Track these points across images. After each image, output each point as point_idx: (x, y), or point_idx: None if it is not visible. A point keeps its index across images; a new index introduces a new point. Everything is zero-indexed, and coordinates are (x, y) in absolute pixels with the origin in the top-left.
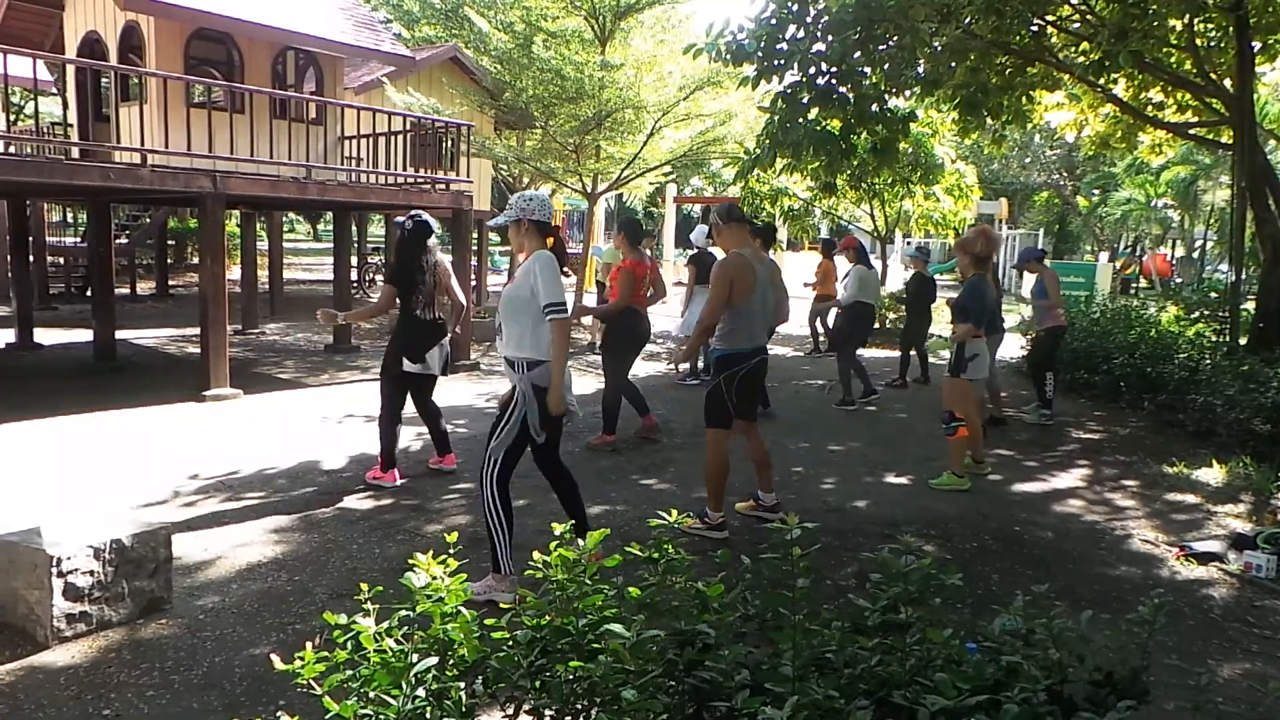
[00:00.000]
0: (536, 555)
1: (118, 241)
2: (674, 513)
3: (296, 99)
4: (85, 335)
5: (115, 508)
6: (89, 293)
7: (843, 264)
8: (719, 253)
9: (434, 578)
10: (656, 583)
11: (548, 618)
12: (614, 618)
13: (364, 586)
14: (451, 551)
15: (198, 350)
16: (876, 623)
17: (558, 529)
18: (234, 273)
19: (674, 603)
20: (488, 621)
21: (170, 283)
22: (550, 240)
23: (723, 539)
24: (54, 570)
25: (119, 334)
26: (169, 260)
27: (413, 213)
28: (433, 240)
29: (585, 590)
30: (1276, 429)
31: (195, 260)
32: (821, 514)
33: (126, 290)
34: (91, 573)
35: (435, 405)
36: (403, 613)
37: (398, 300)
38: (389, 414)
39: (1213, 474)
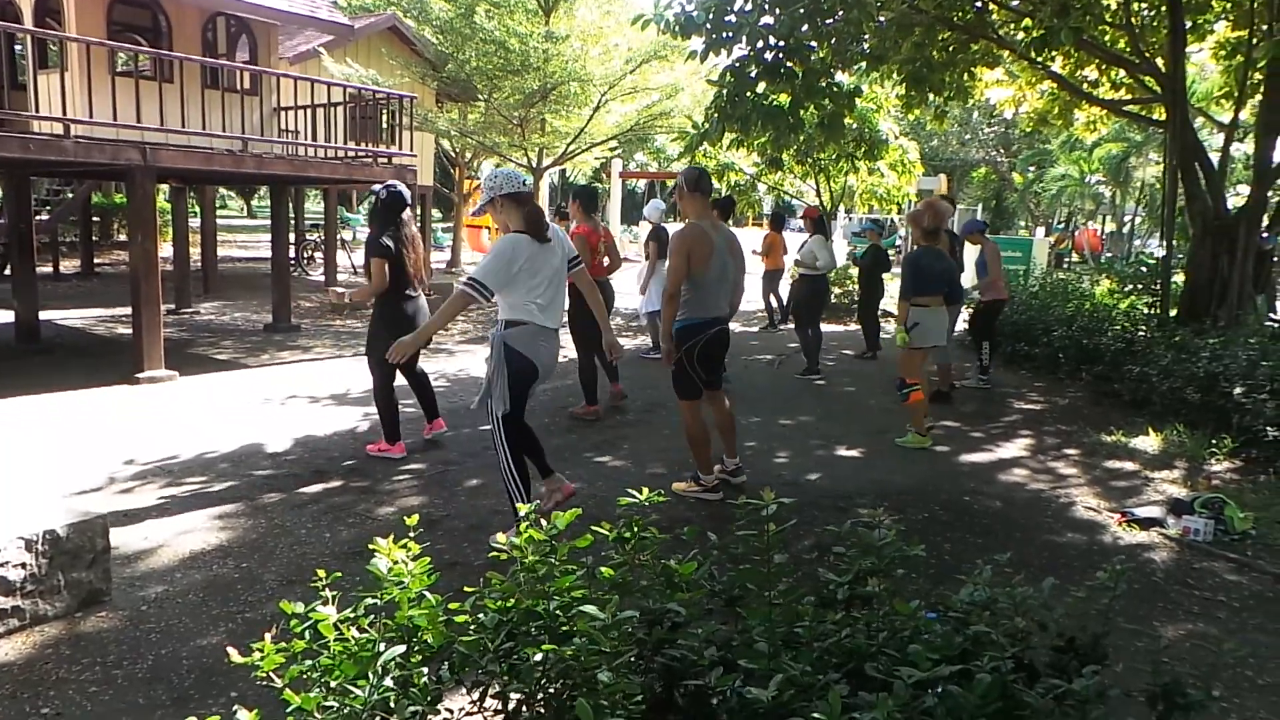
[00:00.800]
0: (501, 537)
1: (39, 218)
2: (645, 491)
3: (228, 67)
4: (6, 316)
5: (47, 496)
6: (7, 271)
7: (793, 240)
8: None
9: (395, 562)
10: (624, 561)
11: (514, 599)
12: (585, 599)
13: (321, 573)
14: (412, 535)
15: (128, 331)
16: (844, 596)
17: (523, 509)
18: (166, 250)
19: (643, 582)
20: (451, 605)
21: (96, 261)
22: (527, 210)
23: (719, 500)
24: None
25: (44, 314)
26: (94, 237)
27: (388, 182)
28: (407, 212)
29: (555, 572)
30: (1207, 398)
31: (122, 237)
32: (777, 487)
33: (49, 269)
34: (24, 565)
35: (423, 370)
36: (369, 600)
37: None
38: (383, 385)
39: (1149, 442)
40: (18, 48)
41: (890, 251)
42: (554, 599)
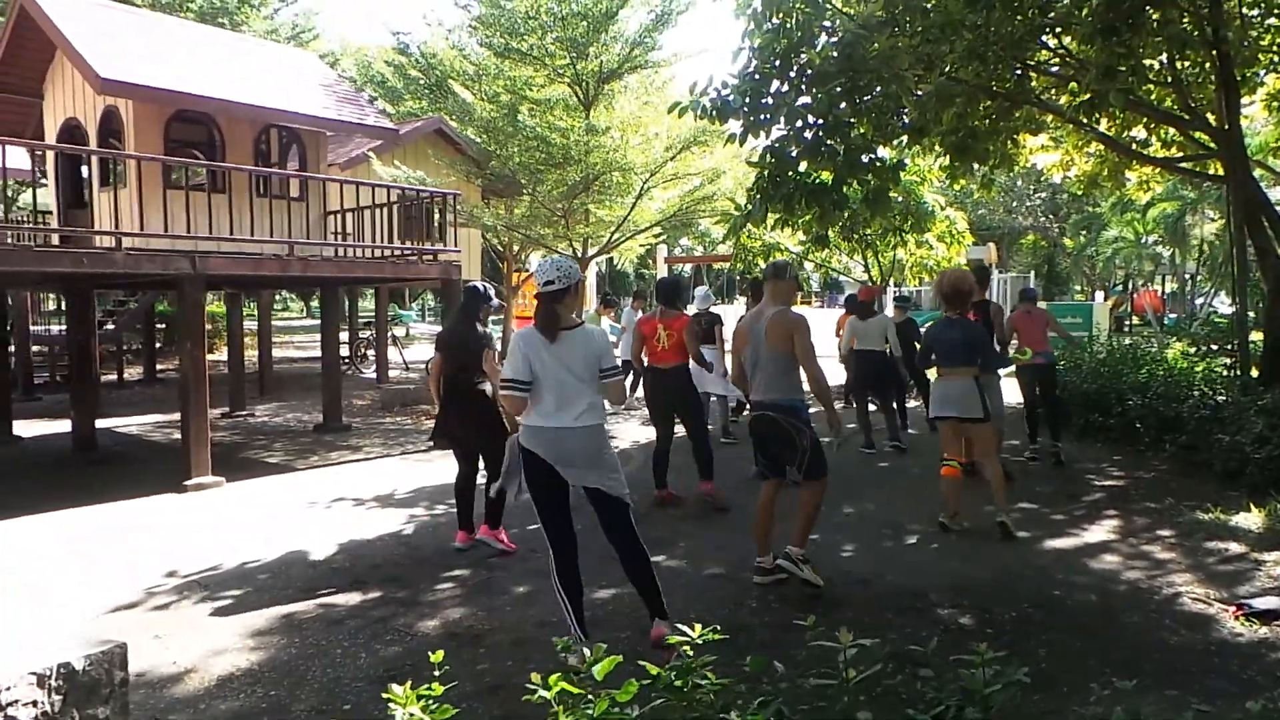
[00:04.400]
0: (535, 678)
1: (106, 327)
2: (697, 628)
3: (276, 174)
4: (68, 426)
5: (81, 613)
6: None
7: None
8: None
9: (411, 717)
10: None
11: None
12: None
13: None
14: (437, 673)
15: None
16: None
17: (559, 644)
18: (222, 353)
19: None
20: None
21: (159, 367)
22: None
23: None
24: None
25: (104, 423)
26: (157, 344)
27: (474, 282)
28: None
29: None
30: None
31: None
32: (845, 586)
33: (114, 376)
34: (35, 703)
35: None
36: None
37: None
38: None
39: (1251, 519)
40: (84, 170)
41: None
42: None
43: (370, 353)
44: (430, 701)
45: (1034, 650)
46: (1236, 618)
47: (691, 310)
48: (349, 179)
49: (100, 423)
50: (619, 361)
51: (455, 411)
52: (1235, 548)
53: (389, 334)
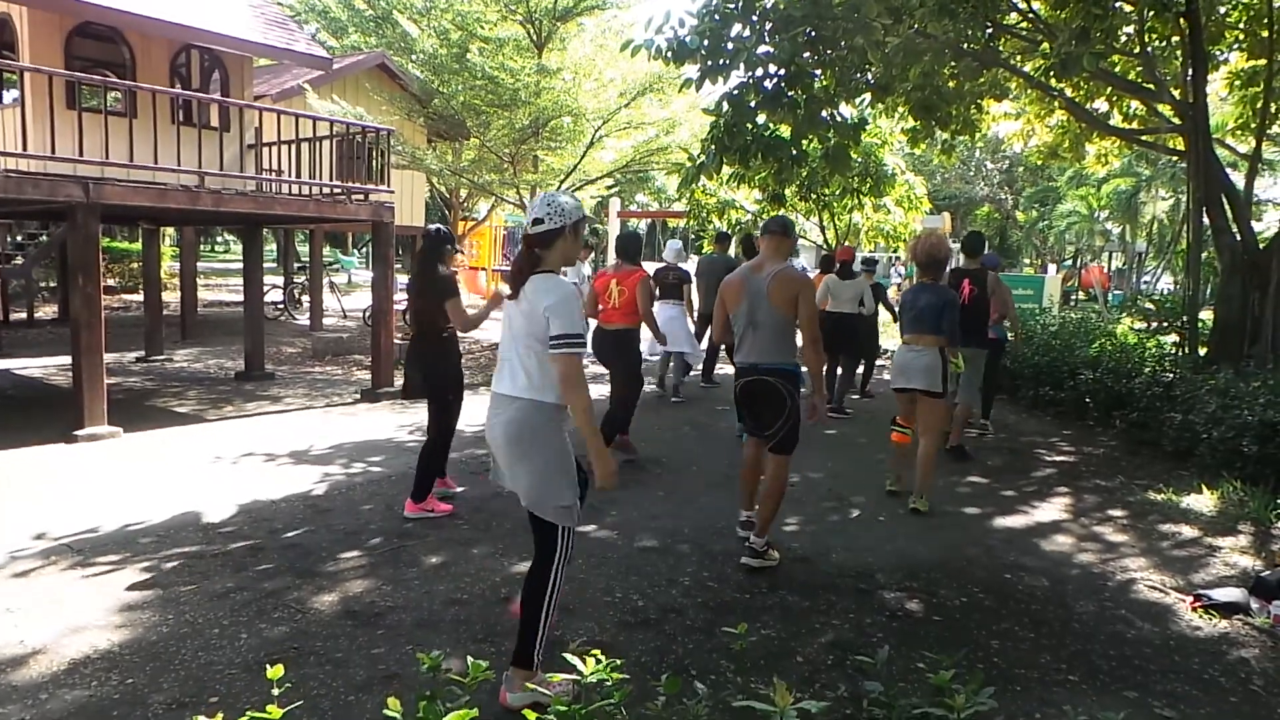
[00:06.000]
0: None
1: (15, 262)
2: (590, 662)
3: (187, 97)
4: None
5: None
6: None
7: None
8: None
9: None
10: None
11: None
12: None
13: None
14: (276, 692)
15: None
16: None
17: (426, 661)
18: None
19: None
20: None
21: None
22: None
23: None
24: None
25: (7, 364)
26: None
27: (433, 226)
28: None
29: None
30: (1265, 449)
31: (110, 282)
32: (788, 563)
33: (23, 315)
34: None
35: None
36: None
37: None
38: (446, 436)
39: (1204, 501)
40: None
41: (891, 290)
42: None
43: (305, 299)
44: None
45: (985, 642)
46: (1195, 609)
47: (660, 265)
48: (268, 107)
49: (1, 364)
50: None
51: (420, 364)
52: (1188, 531)
53: (326, 280)
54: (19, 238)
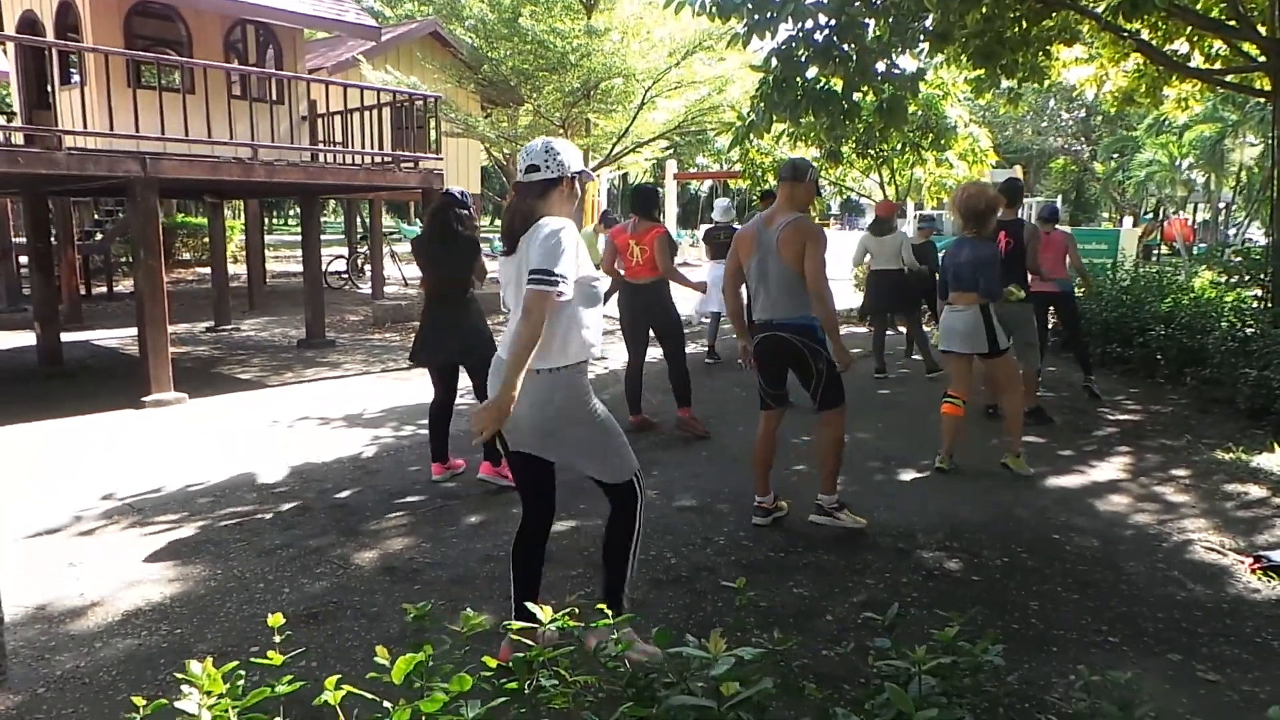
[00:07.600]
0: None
1: (96, 238)
2: (547, 611)
3: (239, 72)
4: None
5: None
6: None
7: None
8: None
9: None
10: None
11: None
12: None
13: None
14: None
15: None
16: None
17: (411, 611)
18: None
19: None
20: None
21: None
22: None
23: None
24: None
25: (85, 335)
26: None
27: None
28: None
29: None
30: None
31: (185, 256)
32: (827, 526)
33: (103, 289)
34: None
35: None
36: None
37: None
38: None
39: (1276, 459)
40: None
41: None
42: None
43: (369, 268)
44: (236, 685)
45: (1024, 603)
46: (1254, 571)
47: (710, 226)
48: (316, 78)
49: (81, 335)
50: (596, 275)
51: (440, 329)
52: (1256, 491)
53: (387, 248)
54: (96, 215)
